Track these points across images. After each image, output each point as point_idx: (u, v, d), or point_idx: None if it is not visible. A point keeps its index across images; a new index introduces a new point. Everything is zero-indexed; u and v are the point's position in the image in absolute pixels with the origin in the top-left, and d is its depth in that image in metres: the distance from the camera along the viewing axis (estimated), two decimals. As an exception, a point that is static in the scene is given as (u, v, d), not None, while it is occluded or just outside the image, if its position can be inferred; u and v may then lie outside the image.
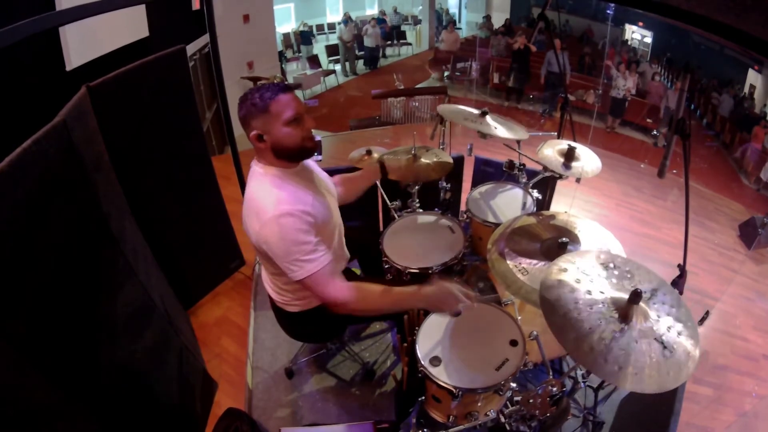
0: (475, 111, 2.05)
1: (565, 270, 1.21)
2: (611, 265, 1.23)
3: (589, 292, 1.14)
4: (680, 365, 1.00)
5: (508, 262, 1.53)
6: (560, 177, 1.92)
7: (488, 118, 2.01)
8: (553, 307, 1.11)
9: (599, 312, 1.09)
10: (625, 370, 0.99)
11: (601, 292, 1.14)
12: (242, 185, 2.63)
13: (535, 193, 2.09)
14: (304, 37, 8.89)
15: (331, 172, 1.77)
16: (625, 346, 1.02)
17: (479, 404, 1.42)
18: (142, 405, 1.53)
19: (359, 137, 5.66)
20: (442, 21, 9.69)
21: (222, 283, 2.71)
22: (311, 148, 1.43)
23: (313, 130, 1.43)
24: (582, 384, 1.53)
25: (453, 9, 10.37)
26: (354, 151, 2.35)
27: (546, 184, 2.28)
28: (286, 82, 6.49)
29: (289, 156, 1.40)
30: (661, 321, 1.08)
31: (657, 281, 1.19)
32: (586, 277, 1.18)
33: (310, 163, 1.60)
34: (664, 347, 1.02)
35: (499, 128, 1.96)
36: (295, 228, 1.31)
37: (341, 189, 1.79)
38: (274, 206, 1.31)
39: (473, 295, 1.43)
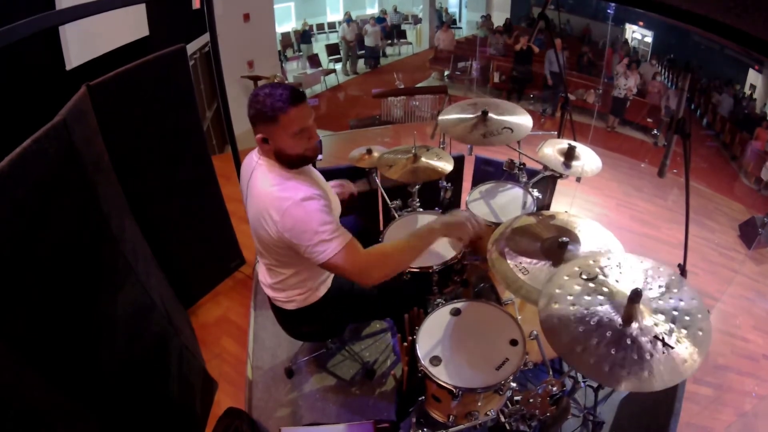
0: (474, 115, 2.04)
1: (567, 276, 1.20)
2: (615, 263, 1.22)
3: (588, 294, 1.14)
4: (681, 363, 1.00)
5: (509, 261, 1.53)
6: (560, 176, 1.92)
7: (490, 116, 2.00)
8: (550, 313, 1.11)
9: (599, 314, 1.09)
10: (621, 371, 0.98)
11: (601, 294, 1.14)
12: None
13: (536, 193, 2.09)
14: (305, 36, 8.89)
15: (330, 173, 1.77)
16: (623, 347, 1.02)
17: (479, 404, 1.42)
18: (142, 405, 1.53)
19: (360, 136, 5.66)
20: (443, 20, 9.69)
21: (222, 283, 2.71)
22: (311, 157, 1.44)
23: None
24: (582, 384, 1.53)
25: (453, 8, 10.36)
26: (354, 150, 2.35)
27: (546, 183, 2.28)
28: (285, 81, 6.48)
29: (289, 163, 1.41)
30: (663, 317, 1.07)
31: (663, 275, 1.18)
32: (587, 278, 1.18)
33: (310, 167, 1.61)
34: (664, 345, 1.02)
35: (503, 128, 1.95)
36: (318, 209, 1.31)
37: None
38: (294, 192, 1.32)
39: (481, 221, 1.56)
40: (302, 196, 1.31)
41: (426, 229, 1.47)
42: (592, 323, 1.07)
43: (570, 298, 1.14)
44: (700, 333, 1.04)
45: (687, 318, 1.07)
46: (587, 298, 1.13)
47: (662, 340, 1.02)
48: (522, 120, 1.97)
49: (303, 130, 1.35)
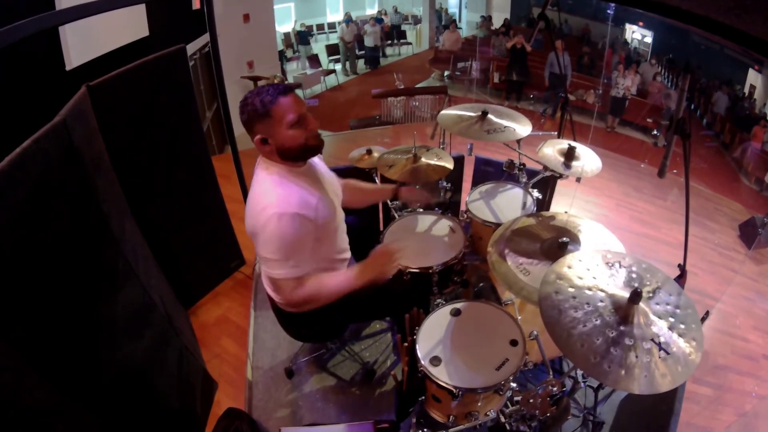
0: (474, 113, 2.05)
1: (568, 267, 1.21)
2: (616, 264, 1.22)
3: (589, 290, 1.14)
4: (677, 367, 1.00)
5: (509, 262, 1.53)
6: (560, 176, 1.92)
7: (490, 117, 2.01)
8: (551, 303, 1.12)
9: (598, 311, 1.09)
10: (617, 370, 0.99)
11: (602, 291, 1.14)
12: (242, 185, 2.63)
13: (536, 193, 2.09)
14: (302, 37, 8.89)
15: (335, 172, 1.77)
16: (620, 346, 1.02)
17: (479, 404, 1.42)
18: (142, 405, 1.53)
19: (359, 137, 5.65)
20: (442, 20, 9.68)
21: (222, 283, 2.71)
22: (316, 146, 1.43)
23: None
24: (582, 384, 1.53)
25: (453, 8, 10.36)
26: (354, 150, 2.35)
27: (546, 183, 2.29)
28: (285, 82, 6.49)
29: (295, 157, 1.41)
30: (661, 322, 1.08)
31: (662, 280, 1.19)
32: (589, 275, 1.18)
33: (317, 161, 1.60)
34: (660, 348, 1.02)
35: (502, 128, 1.96)
36: (287, 230, 1.32)
37: (347, 195, 1.78)
38: (276, 204, 1.32)
39: (399, 248, 1.54)
40: (281, 210, 1.31)
41: (351, 274, 1.49)
42: (592, 319, 1.07)
43: (571, 290, 1.14)
44: (694, 342, 1.05)
45: (682, 326, 1.08)
46: (588, 293, 1.13)
47: (659, 344, 1.02)
48: (521, 126, 1.99)
49: (299, 119, 1.35)
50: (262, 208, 1.33)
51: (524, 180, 2.13)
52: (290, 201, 1.34)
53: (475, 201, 2.17)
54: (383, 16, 9.93)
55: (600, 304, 1.11)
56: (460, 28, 9.72)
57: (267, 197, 1.35)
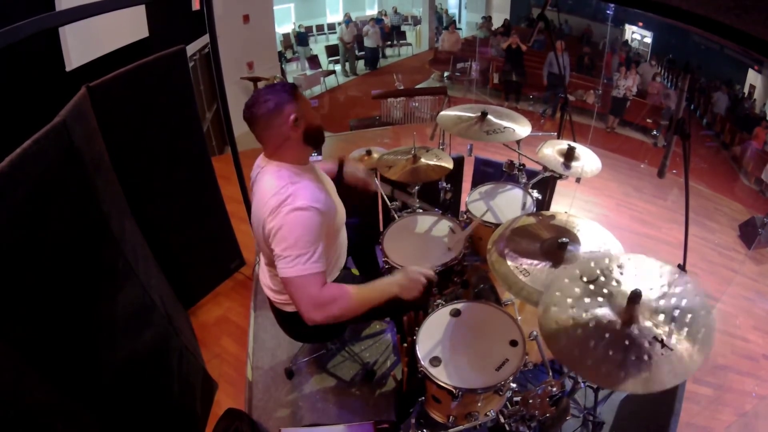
0: (474, 114, 2.05)
1: (570, 278, 1.20)
2: (617, 265, 1.22)
3: (589, 296, 1.14)
4: (679, 365, 0.99)
5: (509, 262, 1.53)
6: (560, 177, 1.92)
7: (489, 117, 2.01)
8: (549, 315, 1.11)
9: (597, 315, 1.09)
10: (617, 372, 0.98)
11: (601, 297, 1.13)
12: (242, 185, 2.63)
13: (535, 194, 2.09)
14: (301, 38, 8.90)
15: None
16: (619, 349, 1.02)
17: (479, 404, 1.42)
18: (142, 405, 1.53)
19: (359, 137, 5.65)
20: (443, 21, 9.69)
21: (222, 283, 2.71)
22: (323, 132, 1.56)
23: None
24: (582, 384, 1.53)
25: (453, 9, 10.37)
26: (354, 151, 2.35)
27: (546, 184, 2.29)
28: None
29: (316, 137, 1.49)
30: (665, 317, 1.07)
31: (669, 275, 1.17)
32: (589, 279, 1.18)
33: (315, 166, 1.62)
34: (663, 345, 1.01)
35: (502, 128, 1.96)
36: (306, 222, 1.32)
37: None
38: (292, 198, 1.32)
39: (432, 273, 1.49)
40: (299, 204, 1.31)
41: (385, 289, 1.44)
42: (590, 326, 1.07)
43: (569, 301, 1.14)
44: (703, 330, 1.03)
45: (689, 316, 1.06)
46: (587, 300, 1.13)
47: (661, 342, 1.02)
48: (521, 126, 1.99)
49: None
50: (277, 205, 1.32)
51: (524, 180, 2.13)
52: (305, 195, 1.34)
53: (474, 201, 2.17)
54: (383, 17, 9.93)
55: (599, 309, 1.10)
56: (460, 29, 9.73)
57: (280, 194, 1.34)
